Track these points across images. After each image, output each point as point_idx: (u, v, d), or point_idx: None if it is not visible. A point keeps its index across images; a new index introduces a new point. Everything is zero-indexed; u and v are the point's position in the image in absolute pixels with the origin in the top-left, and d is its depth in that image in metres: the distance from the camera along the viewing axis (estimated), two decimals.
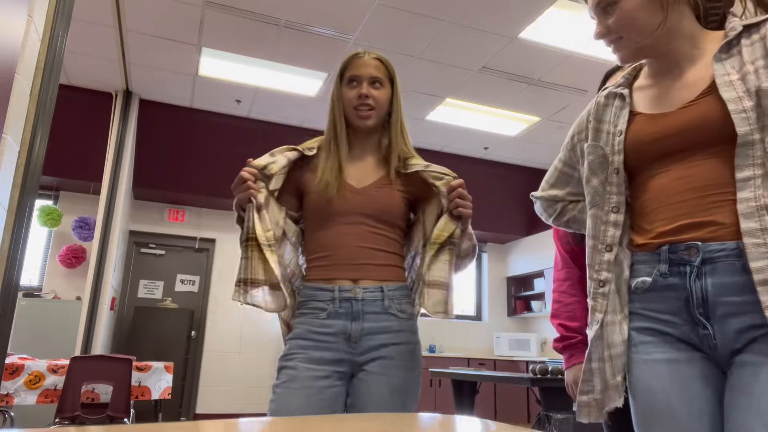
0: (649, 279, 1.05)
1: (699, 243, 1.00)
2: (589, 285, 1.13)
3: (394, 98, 1.60)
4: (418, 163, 1.56)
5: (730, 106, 0.97)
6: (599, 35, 1.13)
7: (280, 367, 1.45)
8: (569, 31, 4.56)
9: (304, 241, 1.57)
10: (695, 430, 0.98)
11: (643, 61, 1.17)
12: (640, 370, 1.05)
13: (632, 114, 1.12)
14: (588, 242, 1.15)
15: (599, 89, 1.60)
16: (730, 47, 1.04)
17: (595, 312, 1.12)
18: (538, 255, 7.52)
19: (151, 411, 4.42)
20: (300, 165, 1.54)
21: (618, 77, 1.54)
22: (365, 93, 1.51)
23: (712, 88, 1.01)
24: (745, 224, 0.96)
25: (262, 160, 1.48)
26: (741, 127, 0.96)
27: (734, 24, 1.06)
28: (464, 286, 8.24)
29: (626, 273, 1.09)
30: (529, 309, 7.81)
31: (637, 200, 1.12)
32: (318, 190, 1.47)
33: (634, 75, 1.20)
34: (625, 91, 1.16)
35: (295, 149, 1.54)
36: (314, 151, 1.55)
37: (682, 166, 1.04)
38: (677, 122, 1.04)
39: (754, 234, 0.94)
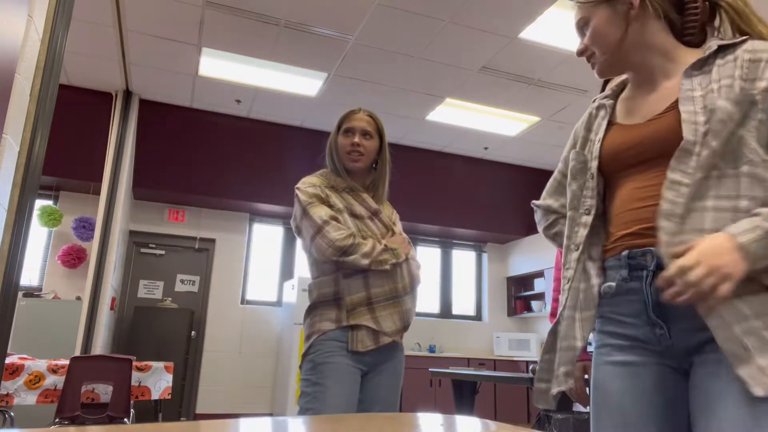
0: (614, 284, 1.10)
1: (652, 248, 1.04)
2: (562, 283, 1.19)
3: (382, 148, 1.97)
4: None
5: (683, 117, 1.02)
6: (579, 53, 1.20)
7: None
8: (569, 31, 4.56)
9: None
10: (641, 428, 1.04)
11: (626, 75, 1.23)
12: (600, 370, 1.12)
13: (610, 124, 1.18)
14: (564, 242, 1.21)
15: (601, 92, 1.61)
16: (703, 64, 1.07)
17: (560, 307, 1.18)
18: (538, 255, 7.52)
19: (151, 411, 4.42)
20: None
21: (614, 83, 1.55)
22: (357, 141, 1.88)
23: (677, 103, 1.06)
24: (662, 222, 1.00)
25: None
26: (686, 134, 1.01)
27: (711, 43, 1.10)
28: (464, 286, 8.24)
29: (594, 278, 1.14)
30: (529, 309, 7.81)
31: (609, 206, 1.18)
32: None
33: (622, 87, 1.25)
34: (609, 102, 1.22)
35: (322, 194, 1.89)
36: (333, 183, 1.90)
37: (645, 175, 1.09)
38: (643, 133, 1.10)
39: (668, 232, 0.99)
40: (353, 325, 1.74)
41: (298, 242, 1.96)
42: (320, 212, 1.76)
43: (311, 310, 1.83)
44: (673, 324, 1.02)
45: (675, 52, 1.13)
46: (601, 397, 1.10)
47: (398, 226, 1.97)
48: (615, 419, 1.06)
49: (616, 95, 1.24)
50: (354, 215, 1.83)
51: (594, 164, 1.16)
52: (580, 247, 1.15)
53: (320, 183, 1.86)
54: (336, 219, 1.77)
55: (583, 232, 1.15)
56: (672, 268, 0.95)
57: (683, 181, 1.00)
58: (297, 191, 1.84)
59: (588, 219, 1.16)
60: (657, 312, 1.04)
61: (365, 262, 1.71)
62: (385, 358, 1.82)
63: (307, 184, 1.85)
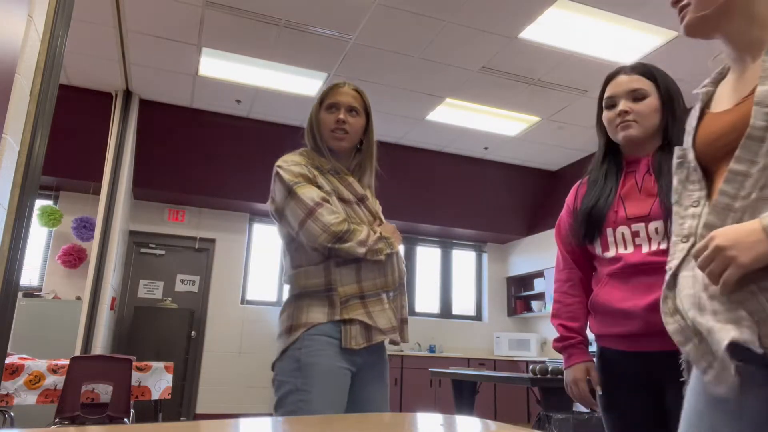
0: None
1: None
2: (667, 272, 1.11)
3: (368, 128, 1.78)
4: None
5: (756, 98, 0.92)
6: (673, 2, 1.12)
7: None
8: (569, 31, 4.56)
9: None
10: None
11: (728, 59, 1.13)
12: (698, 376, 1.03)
13: (703, 112, 1.10)
14: (672, 239, 1.12)
15: (600, 93, 1.60)
16: None
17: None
18: (538, 255, 7.52)
19: (151, 411, 4.42)
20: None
21: (616, 84, 1.53)
22: (342, 118, 1.68)
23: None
24: (710, 217, 0.94)
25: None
26: (756, 120, 0.91)
27: None
28: (464, 286, 8.24)
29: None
30: (529, 309, 7.81)
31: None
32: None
33: (723, 74, 1.16)
34: (704, 90, 1.13)
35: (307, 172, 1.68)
36: (317, 163, 1.69)
37: None
38: (727, 121, 1.01)
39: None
40: (346, 320, 1.54)
41: None
42: (311, 193, 1.56)
43: (295, 301, 1.61)
44: None
45: None
46: (692, 404, 1.02)
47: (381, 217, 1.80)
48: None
49: (715, 82, 1.14)
50: (341, 199, 1.63)
51: (691, 156, 1.07)
52: (690, 239, 1.03)
53: (304, 162, 1.65)
54: (327, 201, 1.57)
55: (691, 223, 1.04)
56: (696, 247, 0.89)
57: (748, 172, 0.90)
58: (278, 170, 1.61)
59: (696, 210, 1.04)
60: None
61: (361, 250, 1.53)
62: (375, 358, 1.65)
63: (291, 162, 1.63)
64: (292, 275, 1.63)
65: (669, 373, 1.36)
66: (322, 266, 1.57)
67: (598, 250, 1.52)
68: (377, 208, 1.78)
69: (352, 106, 1.72)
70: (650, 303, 1.34)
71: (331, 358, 1.51)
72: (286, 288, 1.69)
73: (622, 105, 1.49)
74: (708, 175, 1.07)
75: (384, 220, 1.74)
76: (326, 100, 1.73)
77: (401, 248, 1.74)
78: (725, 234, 0.88)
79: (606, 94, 1.55)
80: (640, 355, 1.39)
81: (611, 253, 1.47)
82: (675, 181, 1.12)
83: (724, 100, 1.07)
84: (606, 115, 1.54)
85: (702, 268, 0.91)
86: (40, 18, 1.92)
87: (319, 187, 1.60)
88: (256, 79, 5.61)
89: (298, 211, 1.55)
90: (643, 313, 1.35)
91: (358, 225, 1.58)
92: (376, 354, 1.65)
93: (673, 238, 1.10)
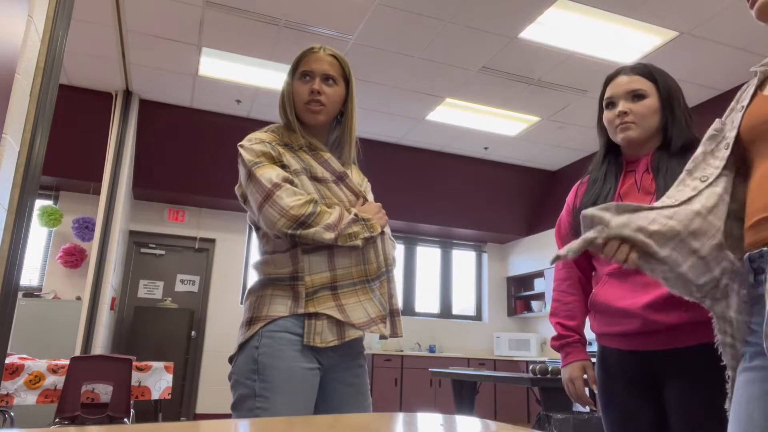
0: (745, 291, 0.98)
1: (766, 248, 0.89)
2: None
3: (348, 98, 1.56)
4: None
5: None
6: None
7: None
8: (569, 31, 4.56)
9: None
10: None
11: None
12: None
13: (756, 93, 1.05)
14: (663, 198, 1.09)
15: (601, 94, 1.60)
16: None
17: None
18: (538, 255, 7.52)
19: (151, 411, 4.42)
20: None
21: (616, 84, 1.53)
22: (317, 88, 1.48)
23: None
24: None
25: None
26: None
27: None
28: (464, 286, 8.24)
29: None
30: (529, 309, 7.81)
31: (742, 188, 1.04)
32: None
33: None
34: (761, 69, 1.07)
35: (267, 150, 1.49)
36: (287, 140, 1.51)
37: None
38: None
39: None
40: (312, 313, 1.36)
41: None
42: (269, 173, 1.37)
43: (257, 290, 1.44)
44: None
45: None
46: (733, 407, 0.97)
47: (370, 197, 1.59)
48: (743, 427, 0.93)
49: None
50: (315, 179, 1.45)
51: (732, 134, 1.02)
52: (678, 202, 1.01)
53: (271, 139, 1.46)
54: (290, 182, 1.38)
55: (689, 194, 1.02)
56: None
57: None
58: (240, 149, 1.45)
59: (698, 185, 1.02)
60: None
61: (330, 236, 1.34)
62: (349, 357, 1.46)
63: (254, 140, 1.45)
64: (260, 262, 1.46)
65: (668, 371, 1.36)
66: (290, 253, 1.40)
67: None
68: (364, 186, 1.60)
69: (328, 74, 1.50)
70: (649, 301, 1.34)
71: (292, 359, 1.34)
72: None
73: (622, 106, 1.49)
74: (743, 156, 1.03)
75: (370, 199, 1.56)
76: (299, 68, 1.52)
77: (390, 231, 1.55)
78: None
79: (606, 95, 1.56)
80: (640, 354, 1.39)
81: None
82: (699, 151, 1.08)
83: None
84: (606, 115, 1.55)
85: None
86: (40, 18, 1.92)
87: (285, 167, 1.42)
88: (256, 79, 5.61)
89: (257, 195, 1.38)
90: (641, 312, 1.35)
91: (329, 207, 1.39)
92: (350, 352, 1.46)
93: (663, 198, 1.07)
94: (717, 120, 1.09)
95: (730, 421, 0.98)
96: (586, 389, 1.56)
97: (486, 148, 7.16)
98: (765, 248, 0.90)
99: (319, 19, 4.55)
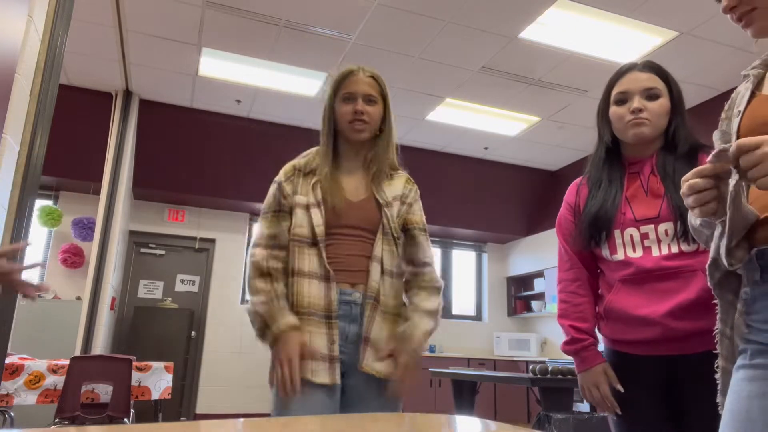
0: (749, 289, 0.97)
1: None
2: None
3: (386, 115, 1.66)
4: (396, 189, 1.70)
5: None
6: (728, 8, 1.03)
7: None
8: (569, 31, 4.56)
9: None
10: None
11: None
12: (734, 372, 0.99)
13: (753, 95, 1.04)
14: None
15: (603, 96, 1.55)
16: None
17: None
18: (538, 255, 7.51)
19: (151, 411, 4.42)
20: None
21: (631, 80, 1.49)
22: (360, 109, 1.58)
23: None
24: None
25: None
26: None
27: None
28: (464, 286, 8.24)
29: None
30: (529, 309, 7.81)
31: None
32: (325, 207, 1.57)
33: None
34: (755, 72, 1.07)
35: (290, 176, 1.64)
36: (314, 166, 1.63)
37: None
38: None
39: None
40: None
41: None
42: (260, 229, 1.55)
43: None
44: None
45: None
46: (730, 401, 0.97)
47: (416, 206, 1.71)
48: (739, 425, 0.92)
49: (765, 65, 1.07)
50: (325, 205, 1.55)
51: (734, 139, 1.00)
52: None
53: (291, 173, 1.61)
54: (275, 237, 1.52)
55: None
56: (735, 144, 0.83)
57: None
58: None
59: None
60: None
61: (250, 308, 1.48)
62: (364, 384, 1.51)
63: (278, 177, 1.61)
64: None
65: (685, 375, 1.35)
66: None
67: (605, 252, 1.49)
68: (411, 196, 1.72)
69: (369, 95, 1.60)
70: (669, 309, 1.32)
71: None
72: None
73: (637, 102, 1.45)
74: None
75: (416, 208, 1.69)
76: (341, 90, 1.62)
77: None
78: None
79: (617, 89, 1.51)
80: (657, 359, 1.38)
81: (619, 255, 1.45)
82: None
83: None
84: (615, 110, 1.50)
85: (745, 166, 0.83)
86: (40, 18, 1.92)
87: (291, 209, 1.54)
88: (256, 79, 5.61)
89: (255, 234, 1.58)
90: (662, 320, 1.33)
91: (266, 281, 1.47)
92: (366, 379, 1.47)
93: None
94: (717, 132, 1.07)
95: (724, 414, 0.97)
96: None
97: (486, 148, 7.16)
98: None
99: (319, 19, 4.55)
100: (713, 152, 0.89)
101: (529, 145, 6.95)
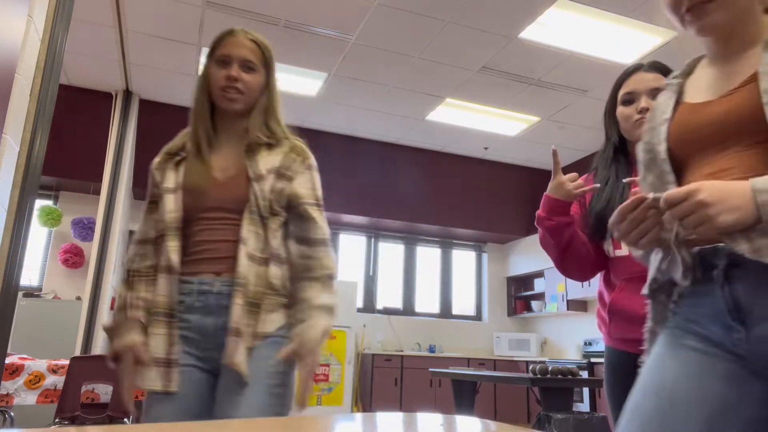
0: (688, 282, 0.98)
1: (721, 244, 0.91)
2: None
3: (268, 87, 1.49)
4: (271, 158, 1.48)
5: (765, 98, 0.88)
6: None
7: None
8: (569, 31, 4.56)
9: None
10: (689, 416, 0.89)
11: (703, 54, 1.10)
12: (662, 345, 1.00)
13: (678, 104, 1.06)
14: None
15: (610, 96, 1.57)
16: None
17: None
18: (538, 255, 7.51)
19: None
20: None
21: (638, 80, 1.51)
22: (235, 75, 1.40)
23: (755, 77, 0.93)
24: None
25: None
26: None
27: None
28: (464, 286, 8.24)
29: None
30: (529, 309, 7.81)
31: None
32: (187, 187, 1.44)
33: (693, 66, 1.12)
34: (677, 81, 1.10)
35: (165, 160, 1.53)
36: (183, 153, 1.51)
37: (717, 158, 0.96)
38: (714, 111, 0.98)
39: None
40: None
41: None
42: (140, 226, 1.51)
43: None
44: (753, 328, 0.89)
45: (763, 31, 0.99)
46: (651, 373, 0.97)
47: (303, 182, 1.46)
48: (661, 401, 0.92)
49: (685, 74, 1.11)
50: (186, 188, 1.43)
51: (662, 148, 1.03)
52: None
53: (161, 158, 1.51)
54: (145, 232, 1.49)
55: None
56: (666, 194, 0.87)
57: None
58: None
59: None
60: (734, 315, 0.90)
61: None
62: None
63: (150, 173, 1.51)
64: None
65: None
66: None
67: (608, 248, 1.51)
68: (292, 168, 1.48)
69: (247, 60, 1.42)
70: None
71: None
72: None
73: (645, 102, 1.47)
74: (678, 171, 1.04)
75: (301, 180, 1.46)
76: (216, 51, 1.43)
77: None
78: (711, 189, 0.84)
79: (624, 90, 1.52)
80: None
81: (624, 251, 1.47)
82: (650, 179, 1.07)
83: (704, 90, 1.04)
84: (623, 110, 1.52)
85: (677, 216, 0.87)
86: (40, 18, 1.92)
87: (160, 196, 1.43)
88: None
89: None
90: None
91: (125, 286, 1.43)
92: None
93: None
94: (644, 143, 1.08)
95: (641, 375, 0.99)
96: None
97: (486, 148, 7.16)
98: (719, 244, 0.91)
99: (319, 19, 4.55)
100: (649, 198, 0.93)
101: (529, 145, 6.95)
